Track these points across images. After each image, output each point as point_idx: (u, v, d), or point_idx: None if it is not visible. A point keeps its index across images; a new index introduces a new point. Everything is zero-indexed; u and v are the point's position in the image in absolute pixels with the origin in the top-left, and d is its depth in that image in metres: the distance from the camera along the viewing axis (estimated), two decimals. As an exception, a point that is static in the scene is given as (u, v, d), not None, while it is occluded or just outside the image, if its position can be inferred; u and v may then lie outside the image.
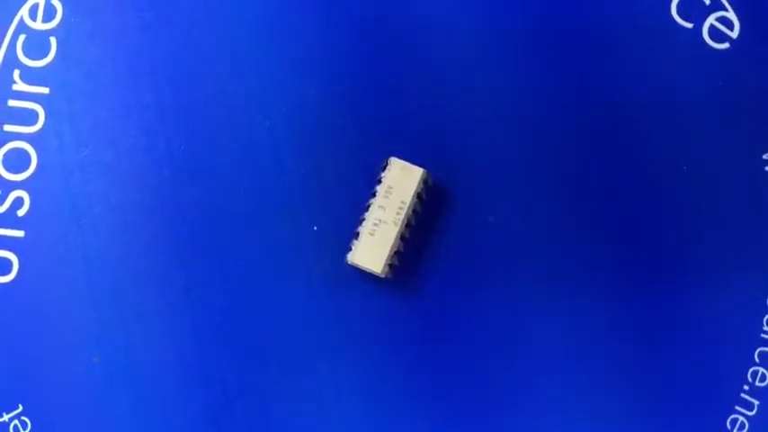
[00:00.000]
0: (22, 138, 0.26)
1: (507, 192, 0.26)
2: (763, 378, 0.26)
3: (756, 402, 0.26)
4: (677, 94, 0.27)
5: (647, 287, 0.26)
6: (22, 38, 0.27)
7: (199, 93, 0.27)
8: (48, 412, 0.26)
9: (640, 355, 0.26)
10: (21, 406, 0.26)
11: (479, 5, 0.27)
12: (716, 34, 0.27)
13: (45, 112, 0.27)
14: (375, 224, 0.25)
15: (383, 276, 0.25)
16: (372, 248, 0.25)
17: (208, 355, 0.26)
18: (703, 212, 0.26)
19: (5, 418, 0.26)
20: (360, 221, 0.25)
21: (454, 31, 0.27)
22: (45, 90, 0.27)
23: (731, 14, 0.27)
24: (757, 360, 0.26)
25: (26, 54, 0.27)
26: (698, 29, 0.27)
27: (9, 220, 0.26)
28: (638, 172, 0.26)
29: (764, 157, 0.26)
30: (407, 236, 0.26)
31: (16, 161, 0.26)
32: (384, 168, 0.26)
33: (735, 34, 0.27)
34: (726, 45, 0.27)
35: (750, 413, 0.26)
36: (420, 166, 0.25)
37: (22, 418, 0.26)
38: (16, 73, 0.27)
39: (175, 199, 0.26)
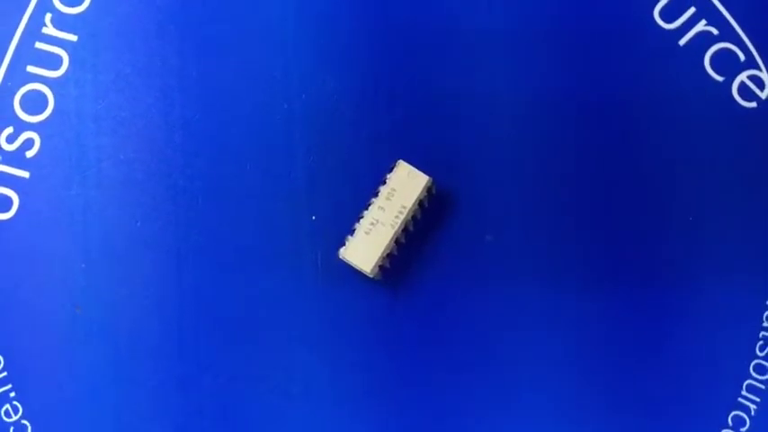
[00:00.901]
0: (43, 81, 0.27)
1: (509, 213, 0.26)
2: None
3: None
4: (697, 145, 0.26)
5: (642, 304, 0.26)
6: (59, -17, 0.27)
7: (223, 65, 0.27)
8: (22, 353, 0.26)
9: (630, 366, 0.26)
10: (-4, 342, 0.26)
11: (513, 17, 0.27)
12: (745, 92, 0.26)
13: (69, 60, 0.27)
14: (372, 224, 0.25)
15: (372, 276, 0.25)
16: (366, 247, 0.25)
17: (187, 324, 0.26)
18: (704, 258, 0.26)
19: (-20, 351, 0.26)
20: (358, 218, 0.25)
21: (489, 45, 0.27)
22: (73, 38, 0.27)
23: (764, 74, 0.26)
24: (730, 423, 0.26)
25: (61, -1, 0.27)
26: (728, 83, 0.26)
27: (17, 159, 0.26)
28: (644, 205, 0.26)
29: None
30: (403, 240, 0.26)
31: (33, 103, 0.27)
32: (391, 170, 0.26)
33: (764, 95, 0.26)
34: (753, 104, 0.26)
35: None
36: (428, 173, 0.25)
37: (-5, 354, 0.26)
38: (48, 16, 0.27)
39: (182, 165, 0.26)
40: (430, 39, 0.27)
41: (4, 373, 0.26)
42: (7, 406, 0.26)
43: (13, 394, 0.26)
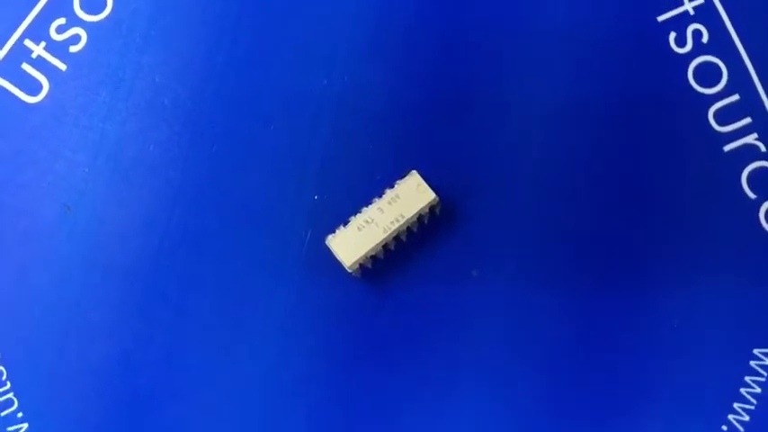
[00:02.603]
0: (107, -14, 0.27)
1: (502, 255, 0.26)
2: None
3: None
4: (711, 251, 0.26)
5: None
6: None
7: (279, 25, 0.27)
8: (7, 241, 0.26)
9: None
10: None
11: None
12: (773, 217, 0.26)
13: (139, -25, 0.27)
14: (367, 221, 0.25)
15: (350, 272, 0.25)
16: (353, 242, 0.25)
17: (164, 256, 0.26)
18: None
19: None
20: (356, 212, 0.25)
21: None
22: (148, -47, 0.27)
23: (797, 206, 0.26)
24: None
25: None
26: (758, 203, 0.26)
27: (60, 50, 0.27)
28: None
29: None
30: (392, 248, 0.26)
31: (92, 3, 0.27)
32: (403, 176, 0.25)
33: (791, 226, 0.26)
34: (777, 231, 0.26)
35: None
36: (440, 191, 0.25)
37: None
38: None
39: (209, 107, 0.27)
40: (492, 48, 0.27)
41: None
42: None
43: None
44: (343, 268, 0.25)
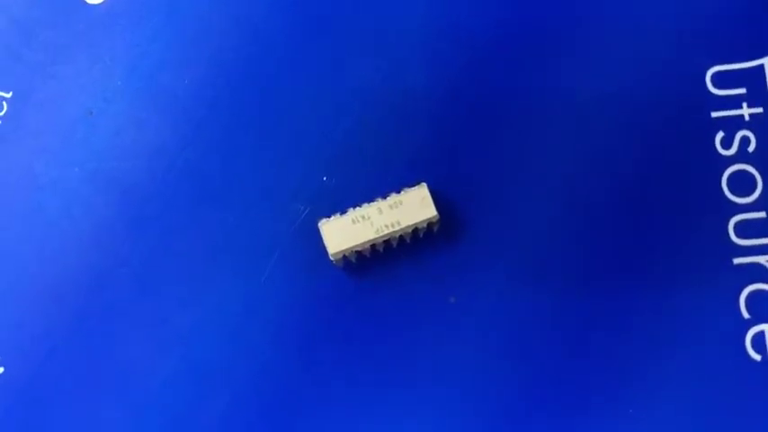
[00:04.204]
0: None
1: (487, 289, 0.26)
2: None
3: None
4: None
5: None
6: None
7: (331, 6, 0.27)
8: (24, 129, 0.27)
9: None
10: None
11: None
12: (759, 343, 0.25)
13: None
14: (363, 217, 0.25)
15: (332, 260, 0.25)
16: (343, 232, 0.25)
17: (164, 188, 0.26)
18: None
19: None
20: (356, 205, 0.25)
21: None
22: None
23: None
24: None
25: None
26: (750, 323, 0.25)
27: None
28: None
29: None
30: (380, 249, 0.26)
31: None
32: (411, 186, 0.25)
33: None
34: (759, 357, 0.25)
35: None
36: (445, 210, 0.25)
37: None
38: None
39: (246, 63, 0.27)
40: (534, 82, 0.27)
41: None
42: None
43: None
44: (325, 257, 0.25)
